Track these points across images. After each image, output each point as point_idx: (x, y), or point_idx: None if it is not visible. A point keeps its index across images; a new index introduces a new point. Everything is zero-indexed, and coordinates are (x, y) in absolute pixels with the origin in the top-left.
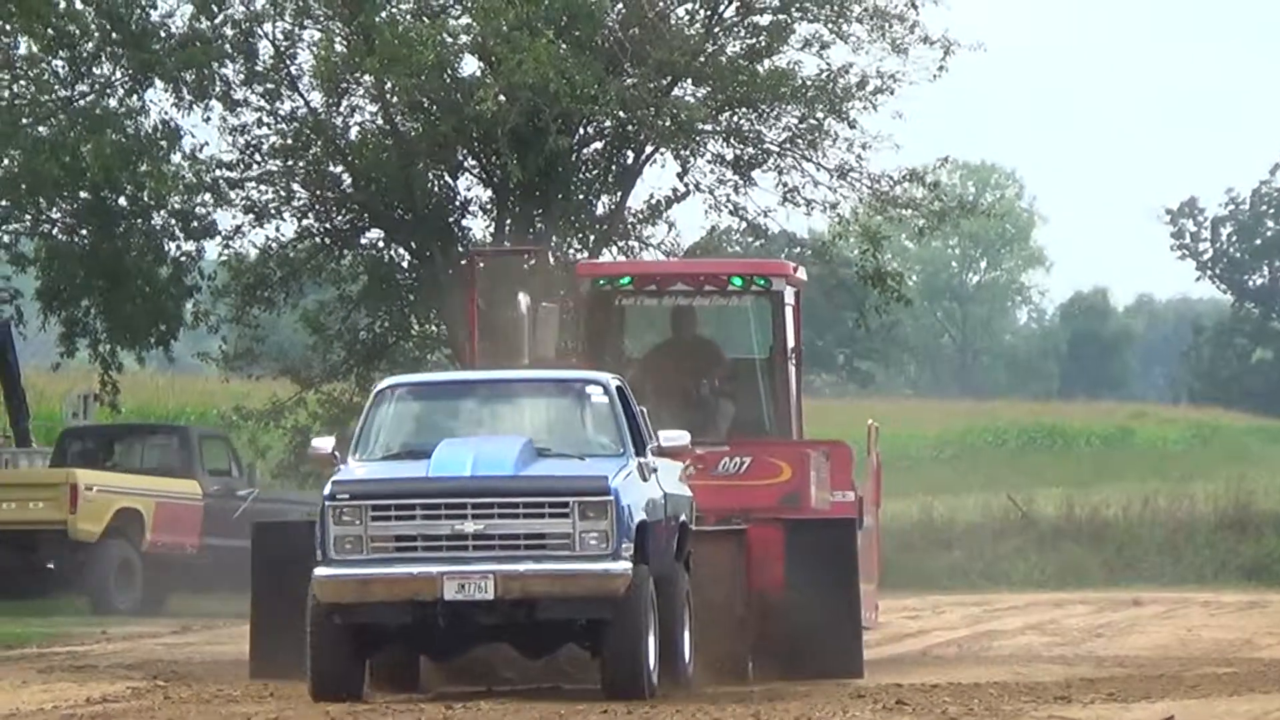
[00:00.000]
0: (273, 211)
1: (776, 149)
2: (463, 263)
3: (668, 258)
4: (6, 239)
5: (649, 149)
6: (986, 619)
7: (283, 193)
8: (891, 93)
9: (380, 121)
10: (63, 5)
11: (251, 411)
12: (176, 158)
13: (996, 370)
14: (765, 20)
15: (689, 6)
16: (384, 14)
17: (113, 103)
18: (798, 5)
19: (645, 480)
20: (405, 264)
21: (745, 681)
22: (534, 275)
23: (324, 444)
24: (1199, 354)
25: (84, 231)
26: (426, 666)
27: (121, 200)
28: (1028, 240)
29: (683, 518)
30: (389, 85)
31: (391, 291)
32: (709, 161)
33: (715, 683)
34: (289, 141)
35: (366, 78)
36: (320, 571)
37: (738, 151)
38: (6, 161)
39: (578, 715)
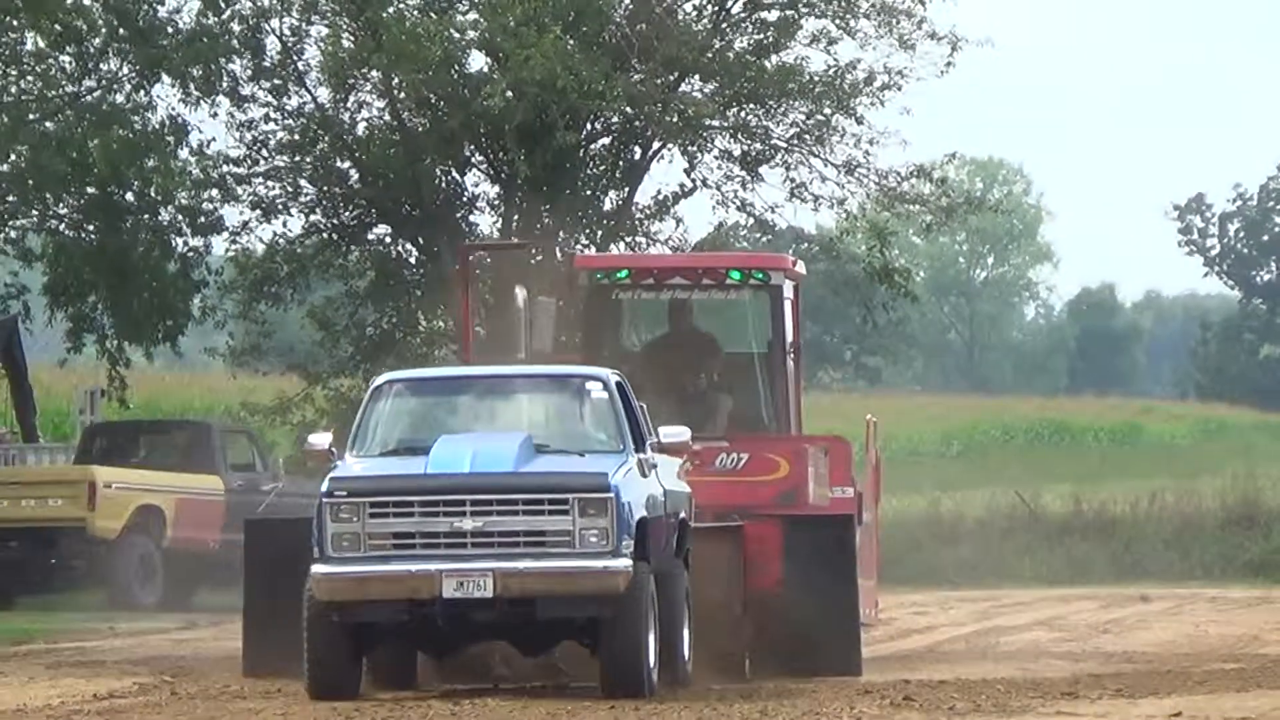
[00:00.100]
0: (280, 207)
1: (784, 145)
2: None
3: (675, 253)
4: (14, 234)
5: (656, 144)
6: (994, 615)
7: (290, 188)
8: (899, 88)
9: (387, 117)
10: (70, 1)
11: (258, 407)
12: (184, 153)
13: (1004, 366)
14: (773, 16)
15: (696, 2)
16: (391, 9)
17: (120, 98)
18: (805, 1)
19: (645, 477)
20: (412, 260)
21: (743, 679)
22: (537, 269)
23: (321, 439)
24: (1207, 350)
25: (91, 227)
26: (423, 664)
27: (129, 196)
28: (1035, 236)
29: (682, 514)
30: (396, 81)
31: (399, 287)
32: (716, 157)
33: (712, 681)
34: (296, 137)
35: (374, 73)
36: (318, 569)
37: (745, 147)
38: (14, 157)
39: (584, 712)
